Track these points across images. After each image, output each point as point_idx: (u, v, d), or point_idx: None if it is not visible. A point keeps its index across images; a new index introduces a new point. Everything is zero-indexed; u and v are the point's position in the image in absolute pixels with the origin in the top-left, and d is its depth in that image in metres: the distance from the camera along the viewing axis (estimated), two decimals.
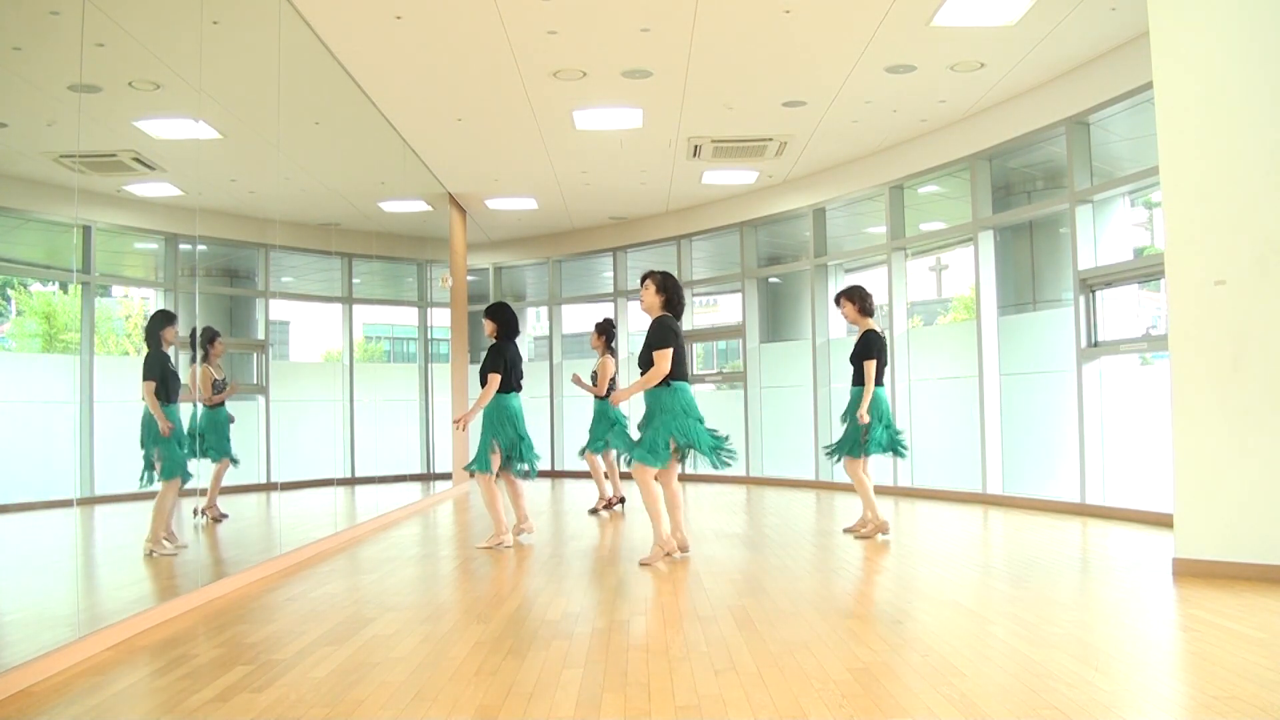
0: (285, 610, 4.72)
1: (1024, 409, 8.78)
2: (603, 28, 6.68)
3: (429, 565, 6.17)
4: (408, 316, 11.53)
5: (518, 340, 6.97)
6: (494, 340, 6.88)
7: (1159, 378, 7.27)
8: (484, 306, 7.40)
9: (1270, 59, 5.01)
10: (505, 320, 6.89)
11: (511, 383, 6.77)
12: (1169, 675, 3.52)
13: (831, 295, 11.13)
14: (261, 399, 7.17)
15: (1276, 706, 2.96)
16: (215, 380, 6.18)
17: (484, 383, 6.72)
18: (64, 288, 5.04)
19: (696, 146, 9.59)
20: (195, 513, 5.76)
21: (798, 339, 11.75)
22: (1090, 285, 7.81)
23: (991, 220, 9.00)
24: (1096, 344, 7.81)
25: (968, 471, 9.24)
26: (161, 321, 5.42)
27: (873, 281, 11.75)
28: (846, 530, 7.02)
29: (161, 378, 5.27)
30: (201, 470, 5.79)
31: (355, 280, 9.44)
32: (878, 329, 6.86)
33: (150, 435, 5.19)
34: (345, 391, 8.85)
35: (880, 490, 9.94)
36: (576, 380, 8.78)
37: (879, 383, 6.80)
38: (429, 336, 11.17)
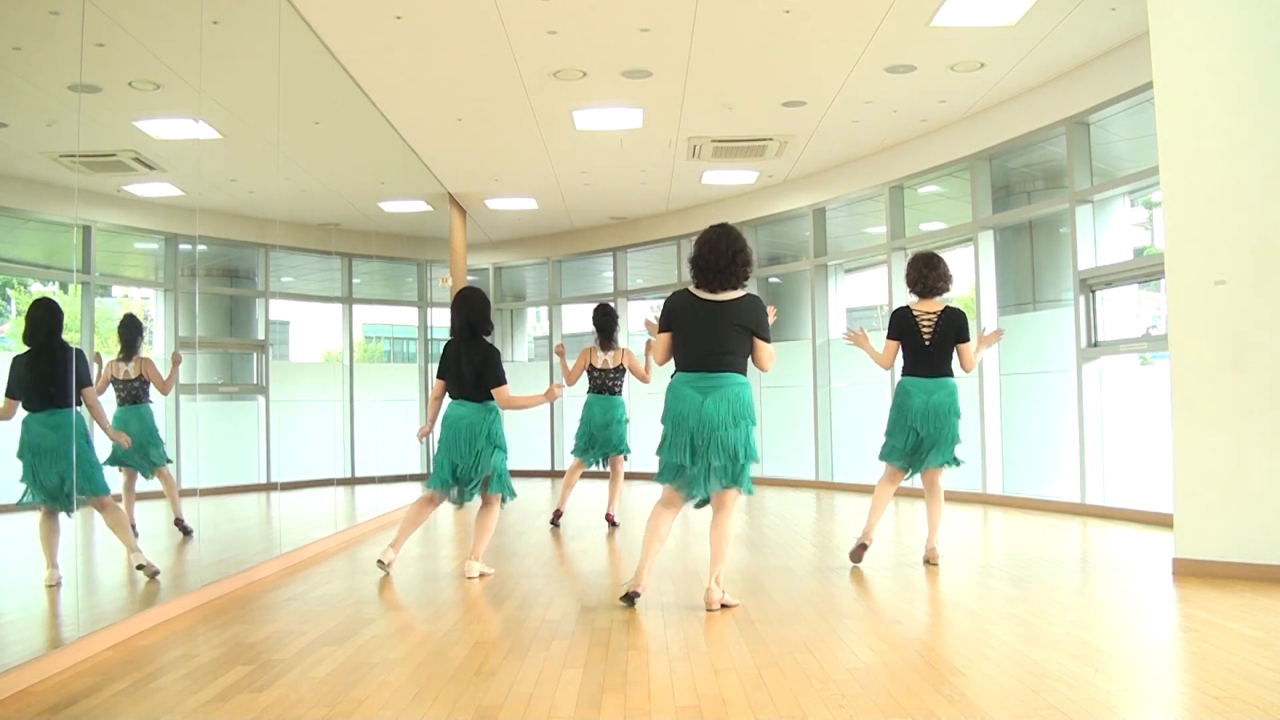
0: (285, 610, 4.72)
1: (1024, 409, 8.78)
2: (603, 28, 6.68)
3: (429, 565, 6.17)
4: (408, 316, 11.55)
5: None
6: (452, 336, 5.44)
7: (1159, 378, 7.27)
8: None
9: (1270, 59, 5.01)
10: (470, 310, 5.38)
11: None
12: (1169, 675, 3.52)
13: (832, 295, 11.17)
14: (261, 399, 7.18)
15: (1276, 706, 2.96)
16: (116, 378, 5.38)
17: (485, 394, 5.32)
18: (64, 288, 5.04)
19: (696, 146, 9.58)
20: (177, 523, 5.53)
21: (798, 339, 11.74)
22: (1090, 285, 7.81)
23: (991, 220, 9.00)
24: (1096, 344, 7.80)
25: (968, 471, 9.20)
26: None
27: (873, 282, 11.79)
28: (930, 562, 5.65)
29: None
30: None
31: (355, 280, 9.45)
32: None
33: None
34: (345, 391, 8.86)
35: None
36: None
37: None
38: (429, 336, 11.17)
